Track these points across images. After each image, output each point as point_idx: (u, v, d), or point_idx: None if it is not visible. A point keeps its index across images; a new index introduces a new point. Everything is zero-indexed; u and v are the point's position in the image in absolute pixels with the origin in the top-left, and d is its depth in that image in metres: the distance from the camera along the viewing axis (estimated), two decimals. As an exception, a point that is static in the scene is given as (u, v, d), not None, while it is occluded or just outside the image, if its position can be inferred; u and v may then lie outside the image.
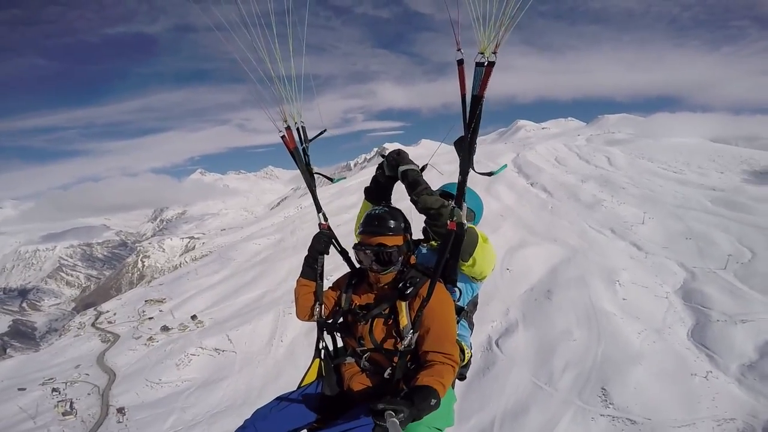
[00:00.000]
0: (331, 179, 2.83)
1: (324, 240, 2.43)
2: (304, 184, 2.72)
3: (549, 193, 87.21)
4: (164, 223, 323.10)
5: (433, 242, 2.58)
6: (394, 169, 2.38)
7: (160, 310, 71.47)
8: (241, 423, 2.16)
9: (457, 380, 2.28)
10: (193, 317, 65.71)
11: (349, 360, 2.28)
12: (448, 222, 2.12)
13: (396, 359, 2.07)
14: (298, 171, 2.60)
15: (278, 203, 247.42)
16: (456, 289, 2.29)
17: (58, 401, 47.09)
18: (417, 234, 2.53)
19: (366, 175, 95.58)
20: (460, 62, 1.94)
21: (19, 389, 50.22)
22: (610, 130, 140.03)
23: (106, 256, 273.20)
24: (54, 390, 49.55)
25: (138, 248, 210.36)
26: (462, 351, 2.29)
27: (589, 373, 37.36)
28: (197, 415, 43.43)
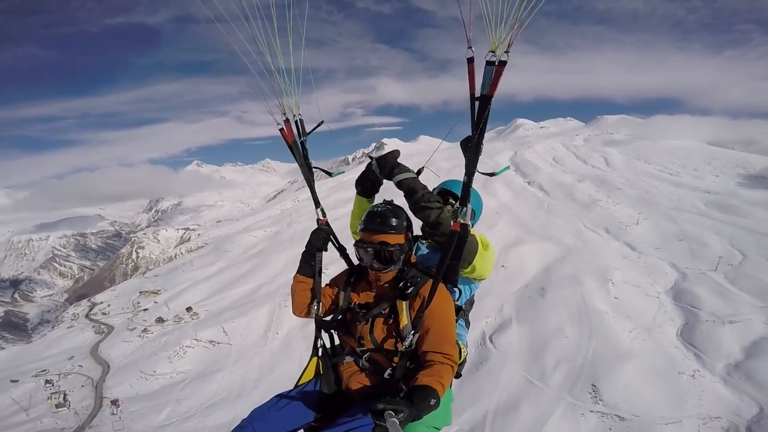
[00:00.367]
0: (329, 173, 2.80)
1: (322, 236, 2.38)
2: (301, 178, 2.68)
3: (545, 191, 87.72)
4: (159, 213, 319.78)
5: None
6: (388, 176, 2.36)
7: (155, 302, 71.17)
8: (239, 423, 2.15)
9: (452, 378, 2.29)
10: (188, 309, 65.55)
11: (348, 359, 2.27)
12: (452, 222, 2.10)
13: (396, 359, 2.07)
14: (296, 164, 2.56)
15: (275, 196, 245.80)
16: (456, 289, 2.27)
17: (52, 393, 46.67)
18: (416, 232, 2.50)
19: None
20: (471, 60, 1.84)
21: (12, 381, 49.70)
22: (608, 130, 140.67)
23: (100, 247, 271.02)
24: (47, 382, 49.06)
25: (132, 239, 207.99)
26: (459, 350, 2.28)
27: (580, 370, 37.90)
28: (192, 407, 43.40)
